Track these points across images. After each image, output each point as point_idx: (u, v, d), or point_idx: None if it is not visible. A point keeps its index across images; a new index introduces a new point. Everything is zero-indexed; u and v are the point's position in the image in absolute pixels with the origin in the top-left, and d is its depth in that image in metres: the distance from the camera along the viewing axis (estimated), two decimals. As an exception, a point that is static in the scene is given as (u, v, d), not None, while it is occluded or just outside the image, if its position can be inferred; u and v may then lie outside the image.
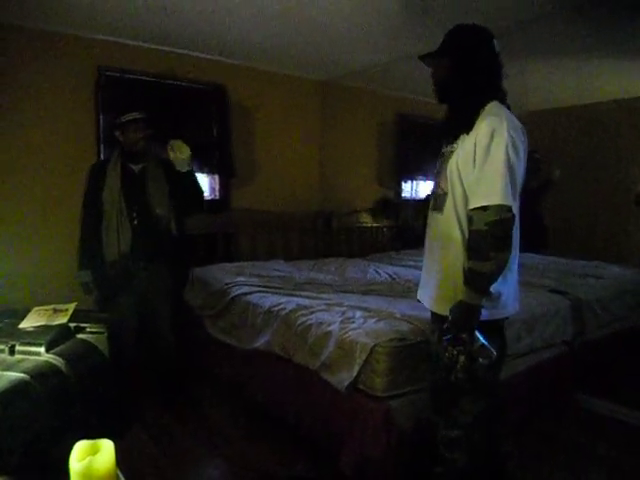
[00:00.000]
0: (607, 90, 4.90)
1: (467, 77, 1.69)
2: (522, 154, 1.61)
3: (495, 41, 1.72)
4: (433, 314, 1.84)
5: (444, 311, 1.69)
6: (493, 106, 1.66)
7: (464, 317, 1.58)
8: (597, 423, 2.81)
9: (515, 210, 1.56)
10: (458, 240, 1.68)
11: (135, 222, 2.69)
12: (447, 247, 1.72)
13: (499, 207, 1.52)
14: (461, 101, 1.71)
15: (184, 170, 2.74)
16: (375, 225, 5.10)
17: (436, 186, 1.80)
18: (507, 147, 1.54)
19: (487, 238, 1.53)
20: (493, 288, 1.61)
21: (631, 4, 2.77)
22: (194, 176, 2.82)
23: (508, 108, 1.70)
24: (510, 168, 1.54)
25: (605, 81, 4.57)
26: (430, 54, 1.76)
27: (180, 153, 2.69)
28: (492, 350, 1.56)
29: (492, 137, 1.55)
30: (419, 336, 2.24)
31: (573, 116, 5.64)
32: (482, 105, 1.66)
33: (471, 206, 1.59)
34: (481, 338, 1.56)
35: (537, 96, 5.15)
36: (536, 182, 4.59)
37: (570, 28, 3.20)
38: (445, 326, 1.63)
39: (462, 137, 1.67)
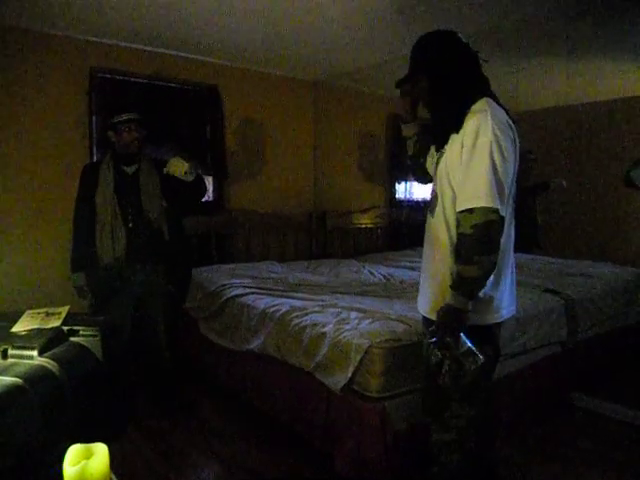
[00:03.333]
0: (599, 90, 4.93)
1: (448, 84, 1.66)
2: (509, 153, 1.55)
3: (459, 35, 1.69)
4: (424, 318, 1.83)
5: (433, 315, 1.67)
6: (481, 104, 1.60)
7: (450, 320, 1.56)
8: (591, 421, 2.83)
9: (503, 212, 1.52)
10: (446, 243, 1.66)
11: (130, 225, 2.67)
12: (436, 250, 1.71)
13: (484, 209, 1.48)
14: (450, 107, 1.66)
15: (189, 180, 2.70)
16: (370, 225, 5.11)
17: (431, 190, 1.80)
18: (491, 147, 1.50)
19: (472, 241, 1.50)
20: (483, 292, 1.59)
21: (622, 6, 2.80)
22: (199, 182, 2.81)
23: (496, 100, 1.65)
24: (495, 169, 1.50)
25: (597, 81, 4.60)
26: (405, 78, 1.75)
27: (179, 170, 2.66)
28: (479, 355, 1.53)
29: (476, 137, 1.52)
30: (414, 337, 2.24)
31: (564, 116, 5.66)
32: (470, 104, 1.62)
33: (458, 209, 1.57)
34: (468, 342, 1.54)
35: (528, 96, 5.18)
36: (532, 182, 4.61)
37: (561, 29, 3.21)
38: (431, 329, 1.62)
39: (451, 139, 1.64)
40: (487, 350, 1.60)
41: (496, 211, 1.49)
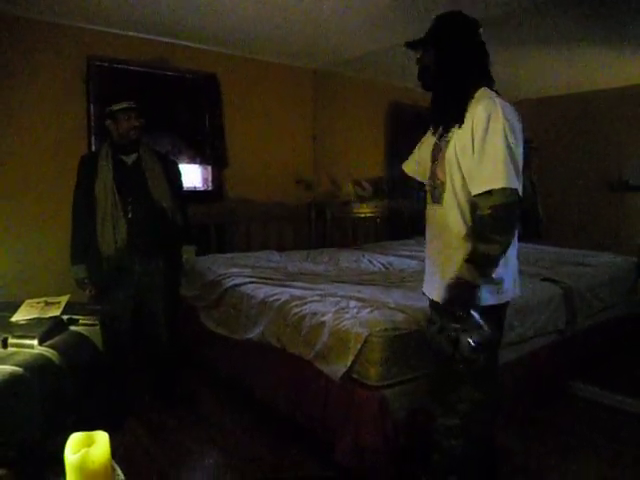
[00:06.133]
0: (599, 79, 4.91)
1: (455, 65, 1.68)
2: (520, 135, 1.60)
3: (480, 30, 1.71)
4: (435, 305, 1.82)
5: None
6: (484, 91, 1.65)
7: (463, 295, 1.58)
8: (590, 410, 2.84)
9: (521, 192, 1.55)
10: (459, 230, 1.67)
11: (130, 215, 2.65)
12: (448, 238, 1.71)
13: (504, 190, 1.51)
14: (450, 89, 1.69)
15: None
16: (369, 215, 5.10)
17: (432, 178, 1.78)
18: (505, 129, 1.53)
19: (492, 222, 1.53)
20: (496, 274, 1.61)
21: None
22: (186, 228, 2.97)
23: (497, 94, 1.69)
24: (510, 150, 1.53)
25: (597, 70, 4.57)
26: (417, 41, 1.75)
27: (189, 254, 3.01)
28: (485, 328, 1.57)
29: (489, 121, 1.54)
30: (413, 325, 2.25)
31: (565, 105, 5.64)
32: (472, 92, 1.65)
33: (475, 192, 1.58)
34: (477, 317, 1.57)
35: (529, 85, 5.15)
36: (533, 171, 4.60)
37: (562, 17, 3.19)
38: (443, 303, 1.64)
39: (457, 125, 1.65)
40: (494, 332, 1.62)
41: (515, 191, 1.53)
